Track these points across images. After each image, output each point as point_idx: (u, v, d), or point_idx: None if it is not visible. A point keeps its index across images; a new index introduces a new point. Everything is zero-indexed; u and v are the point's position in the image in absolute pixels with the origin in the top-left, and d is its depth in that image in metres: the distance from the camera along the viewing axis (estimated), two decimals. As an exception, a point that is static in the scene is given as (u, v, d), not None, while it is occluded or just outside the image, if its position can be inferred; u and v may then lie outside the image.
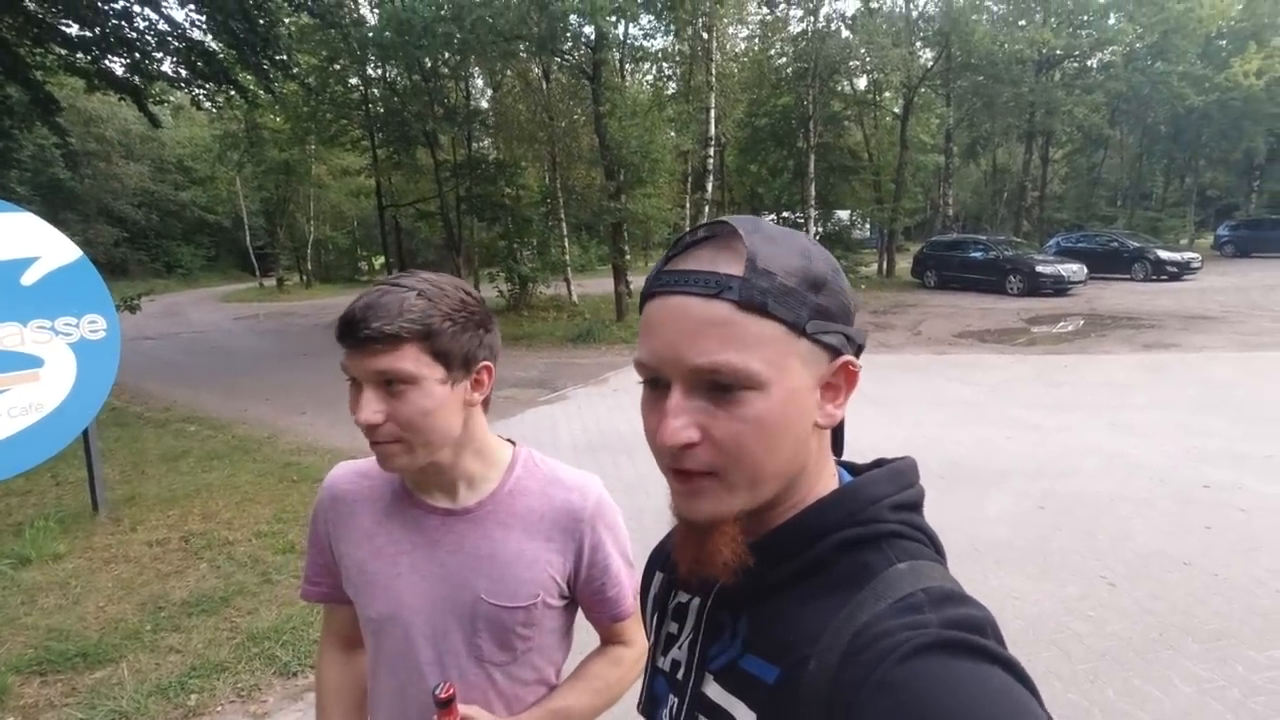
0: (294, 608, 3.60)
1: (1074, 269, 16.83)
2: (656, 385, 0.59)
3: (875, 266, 23.87)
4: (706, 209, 14.88)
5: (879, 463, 0.67)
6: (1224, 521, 4.23)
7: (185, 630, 3.42)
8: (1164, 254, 18.77)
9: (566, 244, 15.94)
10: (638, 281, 15.17)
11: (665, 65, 18.07)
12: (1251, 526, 4.15)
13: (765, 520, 0.61)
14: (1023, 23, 22.18)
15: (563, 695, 1.09)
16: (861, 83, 23.78)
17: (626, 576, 1.11)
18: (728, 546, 0.59)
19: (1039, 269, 16.66)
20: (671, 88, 19.41)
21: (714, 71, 14.38)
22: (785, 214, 22.18)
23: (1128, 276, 18.82)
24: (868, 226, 26.69)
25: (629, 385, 9.37)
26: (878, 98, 23.80)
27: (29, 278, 4.09)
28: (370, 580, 1.05)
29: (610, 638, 1.16)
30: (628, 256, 14.27)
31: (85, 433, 4.43)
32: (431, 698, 0.95)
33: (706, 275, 0.56)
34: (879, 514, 0.59)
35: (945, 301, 16.75)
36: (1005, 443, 5.95)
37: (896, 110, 23.56)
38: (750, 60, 21.27)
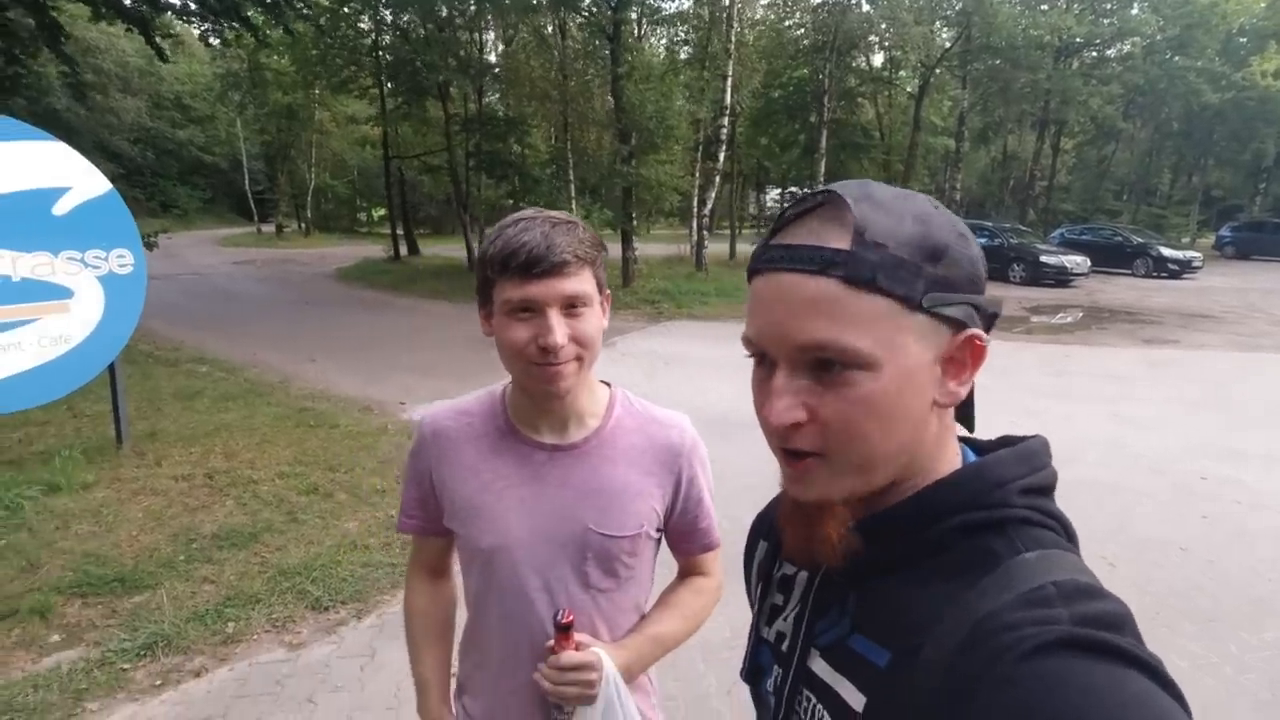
0: (322, 546, 3.70)
1: (1077, 260, 16.91)
2: (763, 363, 0.58)
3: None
4: (718, 179, 14.77)
5: (1005, 440, 0.64)
6: (1220, 512, 4.37)
7: (217, 562, 3.52)
8: (1166, 251, 18.87)
9: (574, 206, 15.80)
10: (644, 248, 15.15)
11: (682, 29, 17.75)
12: (1247, 518, 4.30)
13: (881, 499, 0.59)
14: (1045, 7, 21.90)
15: (656, 622, 1.16)
16: (878, 60, 23.49)
17: (712, 510, 1.18)
18: (834, 530, 0.58)
19: (1043, 259, 16.74)
20: (685, 53, 19.14)
21: (733, 38, 14.14)
22: (793, 189, 22.06)
23: (1129, 272, 18.94)
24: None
25: (637, 350, 9.44)
26: (894, 76, 23.51)
27: (60, 208, 4.08)
28: (478, 513, 1.10)
29: (692, 569, 1.22)
30: (635, 222, 14.17)
31: (111, 367, 4.46)
32: (552, 623, 1.02)
33: (812, 250, 0.53)
34: (1006, 498, 0.56)
35: (948, 286, 16.81)
36: (1008, 429, 6.07)
37: (911, 90, 23.31)
38: (768, 28, 20.91)
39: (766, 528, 0.79)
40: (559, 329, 0.96)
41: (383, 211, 38.38)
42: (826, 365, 0.53)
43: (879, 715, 0.55)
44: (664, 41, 19.77)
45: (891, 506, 0.59)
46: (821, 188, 0.58)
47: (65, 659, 2.81)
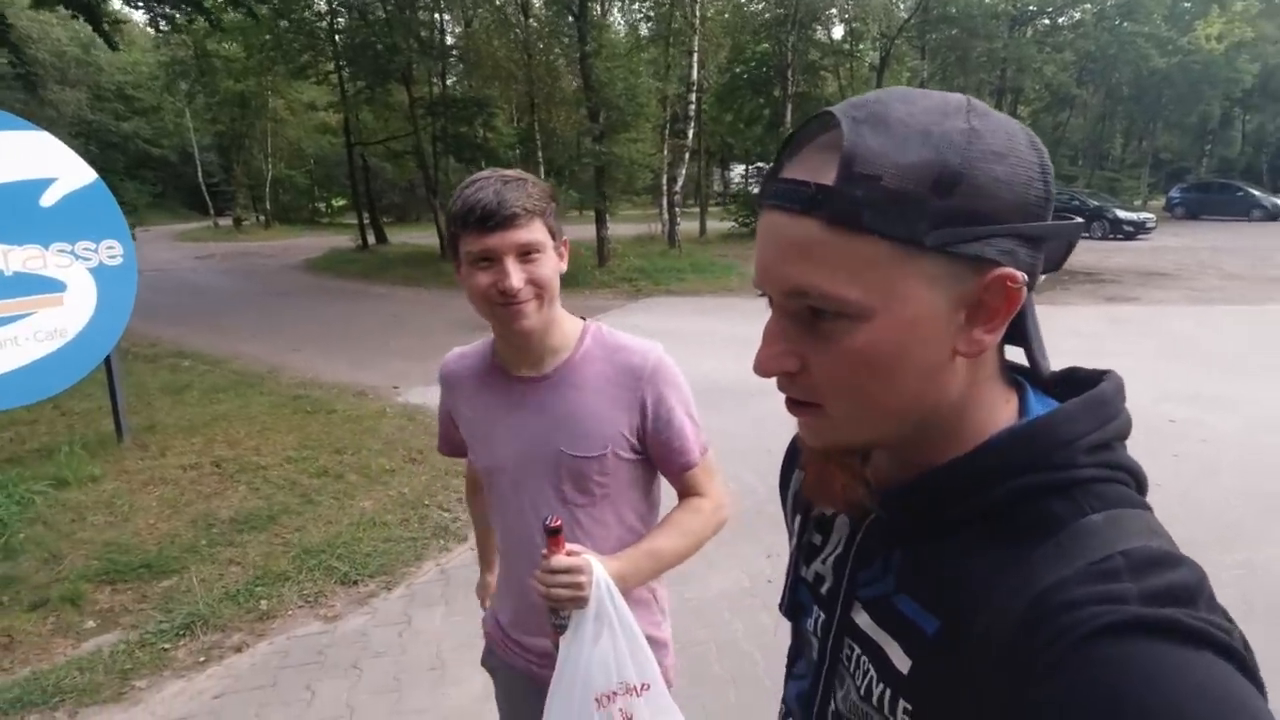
0: (340, 525, 3.76)
1: (1038, 225, 17.39)
2: (771, 303, 0.54)
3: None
4: (687, 155, 14.83)
5: (1071, 378, 0.58)
6: (1188, 450, 4.67)
7: (239, 545, 3.56)
8: (1122, 214, 19.52)
9: (544, 188, 15.72)
10: (614, 228, 15.16)
11: (645, 5, 17.67)
12: (1212, 454, 4.61)
13: (926, 454, 0.55)
14: (1000, -25, 22.26)
15: (653, 538, 1.24)
16: (838, 32, 23.66)
17: (690, 430, 1.23)
18: (839, 480, 0.56)
19: (1005, 224, 17.18)
20: (647, 30, 19.04)
21: (698, 13, 14.13)
22: (760, 164, 22.22)
23: (1086, 235, 19.53)
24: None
25: (620, 326, 9.42)
26: (854, 48, 23.73)
27: (48, 199, 4.00)
28: (476, 439, 1.30)
29: (685, 490, 1.28)
30: (609, 201, 14.17)
31: (108, 360, 4.42)
32: (541, 527, 1.09)
33: (796, 186, 0.48)
34: (1072, 458, 0.50)
35: (915, 254, 17.19)
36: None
37: (872, 61, 23.55)
38: (729, 2, 20.91)
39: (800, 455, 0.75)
40: (515, 274, 1.08)
41: (342, 201, 37.53)
42: (817, 313, 0.49)
43: (925, 682, 0.53)
44: (626, 18, 19.66)
45: (939, 467, 0.54)
46: (825, 108, 0.51)
47: (105, 642, 2.85)
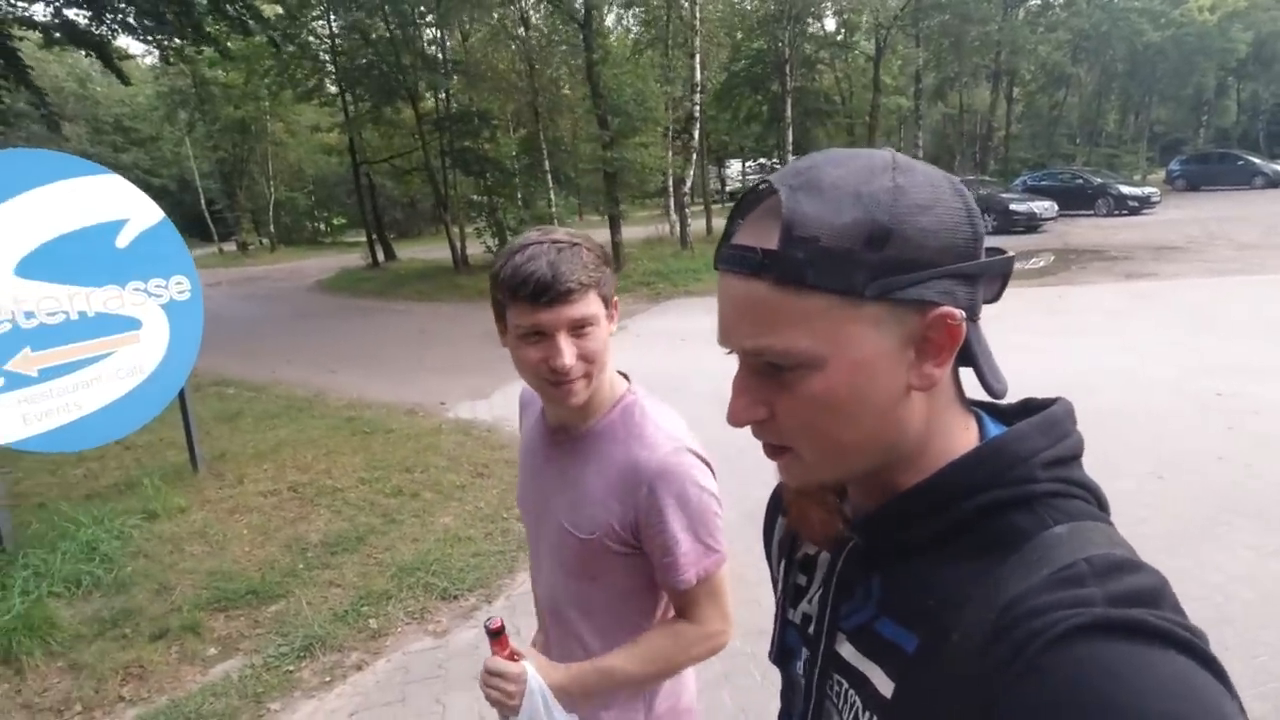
0: (427, 542, 3.85)
1: (1045, 206, 17.48)
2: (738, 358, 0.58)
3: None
4: (694, 157, 14.93)
5: (1027, 406, 0.61)
6: (1241, 424, 4.75)
7: (335, 567, 3.65)
8: (1125, 189, 19.59)
9: (553, 196, 15.81)
10: (630, 231, 15.26)
11: (640, 9, 17.75)
12: (1265, 425, 4.69)
13: (894, 482, 0.58)
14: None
15: (614, 655, 1.12)
16: (831, 24, 23.77)
17: (689, 548, 1.09)
18: (817, 515, 0.60)
19: (1012, 207, 17.27)
20: (641, 34, 19.12)
21: (697, 14, 14.24)
22: (763, 160, 22.31)
23: (1091, 212, 19.61)
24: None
25: (650, 329, 9.63)
26: (849, 39, 23.84)
27: (122, 240, 4.11)
28: (519, 475, 1.29)
29: (679, 610, 1.16)
30: (622, 206, 14.27)
31: (181, 393, 4.52)
32: (542, 600, 1.12)
33: (743, 252, 0.53)
34: (1030, 473, 0.53)
35: (924, 241, 17.26)
36: (1021, 365, 6.43)
37: (868, 52, 23.66)
38: (724, 2, 21.03)
39: (784, 504, 0.77)
40: (568, 352, 1.02)
41: (342, 220, 37.63)
42: (777, 366, 0.53)
43: (908, 702, 0.54)
44: (622, 24, 19.77)
45: (908, 490, 0.57)
46: (764, 178, 0.56)
47: (231, 668, 2.94)
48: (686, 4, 14.58)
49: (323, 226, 38.67)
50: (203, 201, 31.71)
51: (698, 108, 14.95)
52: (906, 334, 0.52)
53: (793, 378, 0.53)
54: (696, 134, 15.21)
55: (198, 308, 4.52)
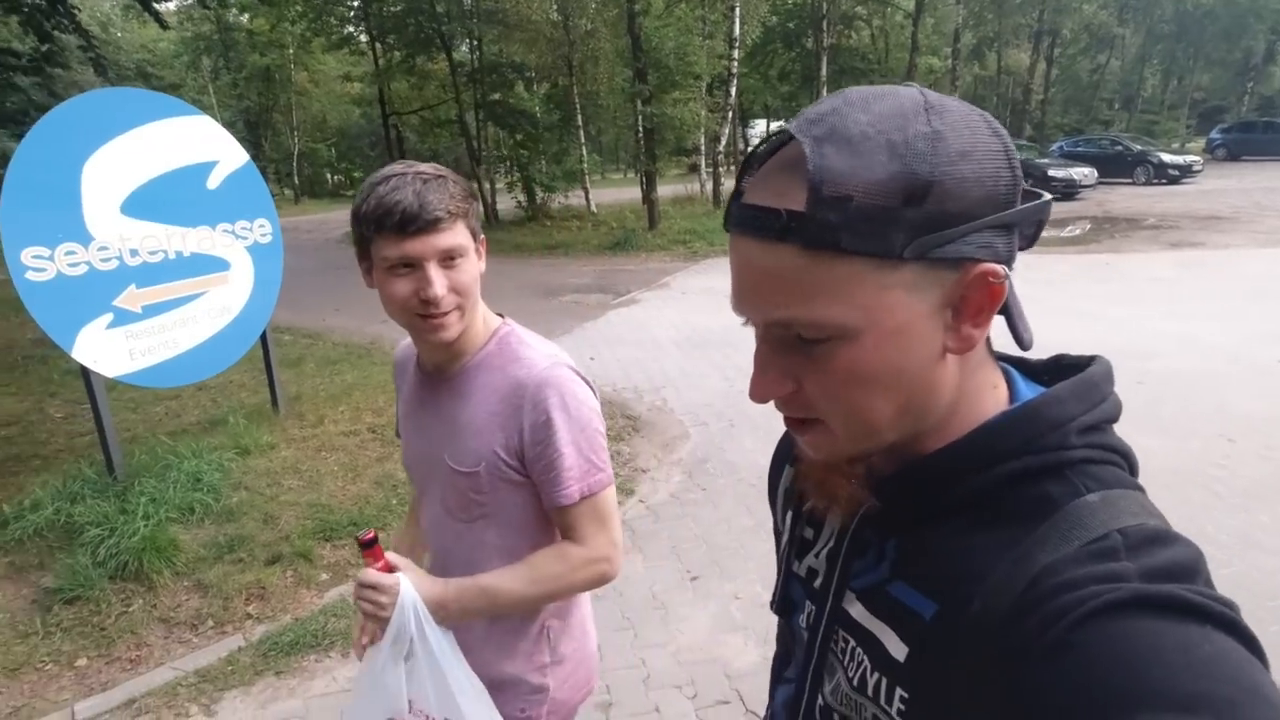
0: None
1: (1085, 172, 17.15)
2: (756, 329, 0.53)
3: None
4: (730, 114, 14.71)
5: (1059, 364, 0.58)
6: (1307, 389, 4.78)
7: (426, 503, 3.79)
8: (1166, 157, 19.15)
9: (585, 152, 15.67)
10: (665, 189, 15.14)
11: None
12: (1331, 392, 4.71)
13: (920, 447, 0.55)
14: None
15: (497, 574, 1.10)
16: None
17: (572, 462, 1.07)
18: (842, 487, 0.57)
19: (1050, 173, 16.94)
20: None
21: (738, -34, 13.87)
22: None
23: (1130, 180, 19.22)
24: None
25: (693, 287, 9.64)
26: (888, -6, 23.15)
27: (212, 181, 4.17)
28: (401, 430, 1.28)
29: (562, 530, 1.14)
30: (658, 164, 14.14)
31: (263, 335, 4.63)
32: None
33: (765, 214, 0.47)
34: (1064, 440, 0.51)
35: (959, 206, 17.01)
36: (1079, 330, 6.44)
37: (907, 8, 22.97)
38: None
39: (790, 451, 0.75)
40: (438, 282, 1.00)
41: (360, 173, 37.43)
42: (805, 339, 0.49)
43: (922, 669, 0.52)
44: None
45: (934, 452, 0.54)
46: (781, 125, 0.51)
47: (344, 592, 3.09)
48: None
49: (343, 179, 38.55)
50: (226, 151, 31.62)
51: (735, 64, 14.66)
52: (944, 294, 0.48)
53: (823, 351, 0.49)
54: (733, 91, 14.94)
55: (278, 251, 4.60)
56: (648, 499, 3.90)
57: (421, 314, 1.02)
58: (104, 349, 3.57)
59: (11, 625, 2.85)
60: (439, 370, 1.15)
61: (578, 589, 1.13)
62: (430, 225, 0.98)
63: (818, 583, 0.64)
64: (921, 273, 0.47)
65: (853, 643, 0.59)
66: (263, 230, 4.48)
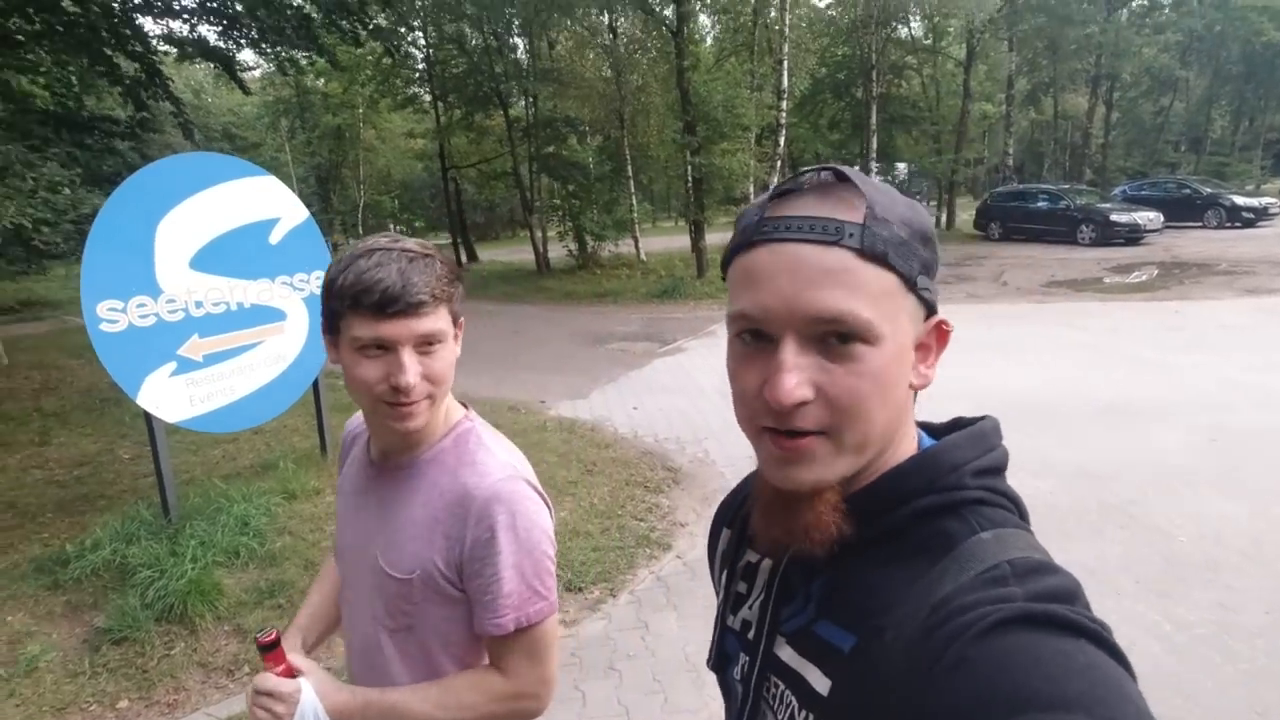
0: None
1: (1150, 217, 16.53)
2: (758, 339, 0.56)
3: (934, 219, 23.69)
4: (779, 164, 14.84)
5: (958, 423, 0.64)
6: None
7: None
8: (1239, 200, 18.36)
9: (635, 202, 15.99)
10: (714, 237, 15.30)
11: (724, 17, 17.79)
12: None
13: (857, 479, 0.59)
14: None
15: (410, 691, 1.01)
16: (919, 29, 23.18)
17: (513, 588, 0.97)
18: (829, 515, 0.57)
19: (1114, 217, 16.40)
20: (727, 40, 19.16)
21: (786, 20, 14.16)
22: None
23: (1200, 224, 18.42)
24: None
25: (739, 338, 9.61)
26: (938, 44, 23.20)
27: (275, 236, 4.40)
28: (338, 516, 1.17)
29: (492, 659, 1.04)
30: (707, 213, 14.32)
31: (315, 381, 4.80)
32: (371, 632, 0.99)
33: (825, 221, 0.53)
34: (960, 480, 0.57)
35: (1016, 253, 16.59)
36: (1149, 382, 6.10)
37: (958, 56, 22.97)
38: (809, 9, 20.87)
39: (730, 515, 0.79)
40: (412, 369, 0.93)
41: (420, 223, 39.10)
42: (840, 339, 0.53)
43: (843, 700, 0.55)
44: (710, 31, 19.87)
45: (866, 487, 0.58)
46: (818, 165, 0.58)
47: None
48: (774, 10, 14.54)
49: (404, 229, 40.28)
50: (299, 204, 33.51)
51: (784, 114, 14.85)
52: (917, 332, 0.57)
53: (851, 352, 0.53)
54: (781, 141, 15.10)
55: (333, 302, 4.79)
56: (685, 555, 3.82)
57: (390, 401, 0.95)
58: (166, 396, 3.75)
59: (63, 664, 2.95)
60: (385, 457, 1.07)
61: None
62: (411, 309, 0.91)
63: (750, 634, 0.67)
64: (916, 306, 0.56)
65: (782, 686, 0.62)
66: (319, 282, 4.68)
